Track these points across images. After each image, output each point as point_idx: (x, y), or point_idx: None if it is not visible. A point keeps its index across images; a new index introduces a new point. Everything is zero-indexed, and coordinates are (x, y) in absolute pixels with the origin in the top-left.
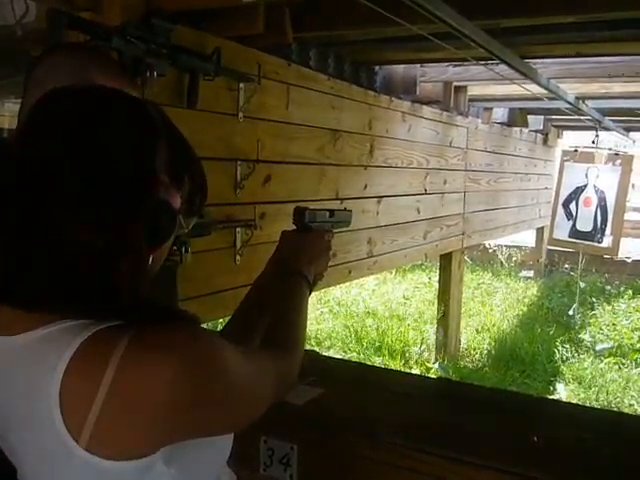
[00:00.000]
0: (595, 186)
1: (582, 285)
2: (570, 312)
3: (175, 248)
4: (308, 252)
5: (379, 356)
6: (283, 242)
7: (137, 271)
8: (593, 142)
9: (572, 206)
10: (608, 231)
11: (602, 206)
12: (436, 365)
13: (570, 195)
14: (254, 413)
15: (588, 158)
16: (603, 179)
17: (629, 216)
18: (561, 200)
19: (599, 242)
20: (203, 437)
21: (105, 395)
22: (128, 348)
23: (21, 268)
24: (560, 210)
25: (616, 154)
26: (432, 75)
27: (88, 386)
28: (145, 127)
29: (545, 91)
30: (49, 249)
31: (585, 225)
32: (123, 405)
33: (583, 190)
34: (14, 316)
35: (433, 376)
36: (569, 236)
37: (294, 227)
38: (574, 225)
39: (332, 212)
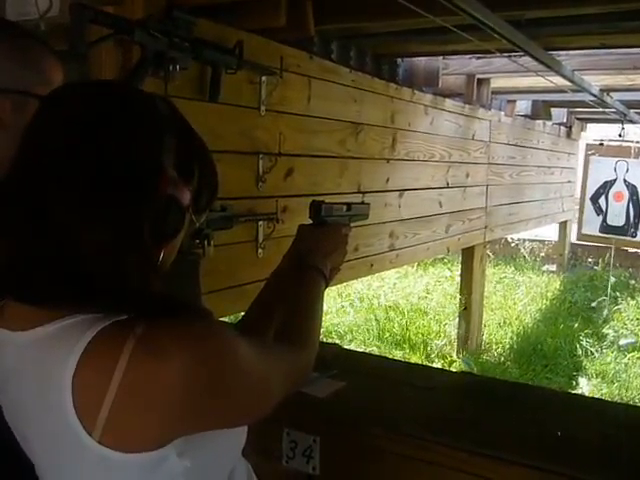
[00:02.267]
0: (625, 180)
1: (612, 280)
2: (593, 304)
3: (198, 241)
4: (324, 246)
5: (400, 350)
6: (299, 236)
7: (146, 265)
8: (620, 135)
9: (601, 201)
10: None
11: (634, 200)
12: (460, 359)
13: (598, 190)
14: (265, 407)
15: (615, 152)
16: (633, 173)
17: None
18: (589, 195)
19: (633, 236)
20: (215, 429)
21: (117, 388)
22: (139, 342)
23: (32, 266)
24: (588, 205)
25: None
26: (455, 67)
27: (100, 379)
28: (152, 122)
29: (569, 83)
30: (58, 245)
31: (617, 220)
32: (135, 398)
33: (612, 185)
34: (24, 312)
35: (454, 370)
36: (600, 231)
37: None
38: (604, 220)
39: (349, 205)
